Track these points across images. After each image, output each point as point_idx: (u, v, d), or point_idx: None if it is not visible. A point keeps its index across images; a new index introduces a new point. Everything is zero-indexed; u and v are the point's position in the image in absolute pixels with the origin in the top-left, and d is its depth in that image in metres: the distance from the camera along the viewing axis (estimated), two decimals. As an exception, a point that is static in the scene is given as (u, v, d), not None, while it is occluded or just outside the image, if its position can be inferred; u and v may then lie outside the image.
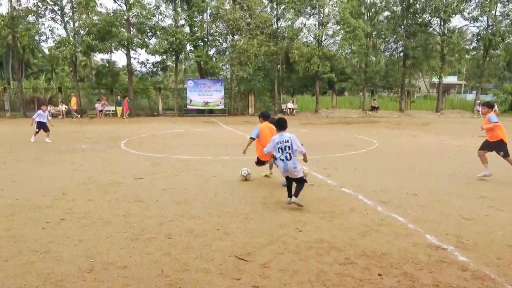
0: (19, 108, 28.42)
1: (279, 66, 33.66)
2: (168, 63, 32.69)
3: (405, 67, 33.48)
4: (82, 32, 26.96)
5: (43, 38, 28.49)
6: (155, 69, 31.77)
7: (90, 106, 30.90)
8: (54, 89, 33.96)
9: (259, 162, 7.63)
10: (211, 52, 31.18)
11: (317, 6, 29.79)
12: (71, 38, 26.87)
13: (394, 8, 33.14)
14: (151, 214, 5.41)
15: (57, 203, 5.89)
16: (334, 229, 4.79)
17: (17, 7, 26.15)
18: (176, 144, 13.18)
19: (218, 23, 29.43)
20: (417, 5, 31.64)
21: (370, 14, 37.25)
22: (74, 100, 27.43)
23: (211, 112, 30.84)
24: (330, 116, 31.06)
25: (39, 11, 26.61)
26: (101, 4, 27.71)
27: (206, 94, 30.23)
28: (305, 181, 5.77)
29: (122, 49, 28.59)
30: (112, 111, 28.88)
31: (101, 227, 4.86)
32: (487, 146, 7.94)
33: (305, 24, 31.32)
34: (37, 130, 13.61)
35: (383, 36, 34.13)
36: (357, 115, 31.78)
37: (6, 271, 3.69)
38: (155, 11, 28.30)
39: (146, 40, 28.55)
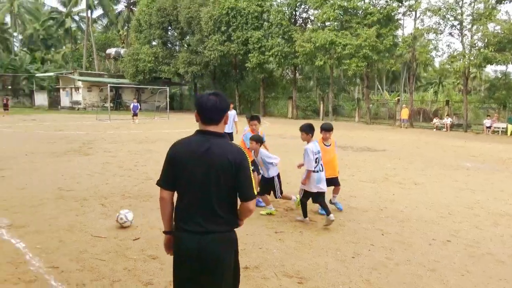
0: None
1: None
2: None
3: None
4: (479, 44, 25.64)
5: (439, 53, 29.49)
6: None
7: (476, 121, 29.15)
8: (440, 102, 34.63)
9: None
10: None
11: None
12: (466, 52, 26.20)
13: None
14: (562, 270, 4.24)
15: (443, 222, 5.82)
16: None
17: (419, 27, 28.41)
18: None
19: None
20: None
21: None
22: (406, 111, 28.07)
23: None
24: None
25: (439, 28, 27.66)
26: (506, 11, 25.17)
27: None
28: None
29: (526, 59, 24.74)
30: (502, 128, 25.81)
31: (492, 265, 4.32)
32: None
33: None
34: None
35: None
36: None
37: (398, 276, 3.98)
38: None
39: None
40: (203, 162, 2.21)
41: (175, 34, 41.04)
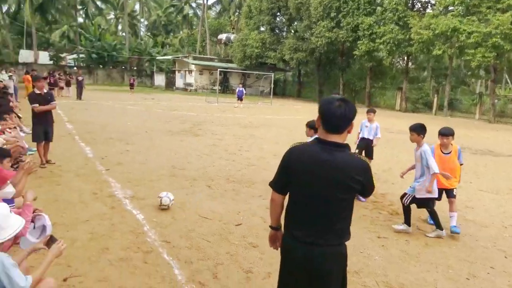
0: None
1: None
2: None
3: None
4: None
5: None
6: None
7: None
8: None
9: None
10: None
11: None
12: None
13: None
14: None
15: None
16: None
17: None
18: None
19: None
20: None
21: None
22: None
23: None
24: None
25: None
26: None
27: None
28: None
29: None
30: None
31: None
32: None
33: None
34: None
35: None
36: None
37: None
38: None
39: None
40: (324, 175, 2.08)
41: (283, 20, 41.21)
